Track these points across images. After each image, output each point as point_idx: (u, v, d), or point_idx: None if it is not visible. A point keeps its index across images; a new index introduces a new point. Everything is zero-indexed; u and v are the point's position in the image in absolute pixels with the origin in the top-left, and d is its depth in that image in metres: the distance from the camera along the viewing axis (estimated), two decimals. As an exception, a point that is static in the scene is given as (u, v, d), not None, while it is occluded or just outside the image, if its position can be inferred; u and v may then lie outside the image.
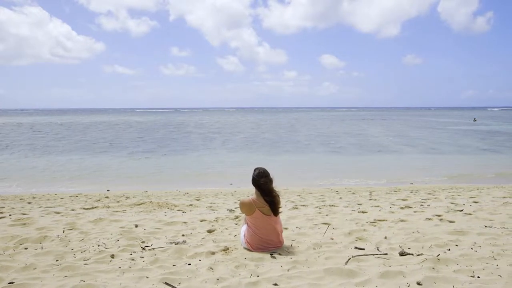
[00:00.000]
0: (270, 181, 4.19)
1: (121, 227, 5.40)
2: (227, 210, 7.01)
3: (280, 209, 4.30)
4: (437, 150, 22.08)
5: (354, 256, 3.82)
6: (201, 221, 5.88)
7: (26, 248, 4.30)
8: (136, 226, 5.51)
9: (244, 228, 4.37)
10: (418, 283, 3.04)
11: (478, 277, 3.17)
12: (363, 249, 4.16)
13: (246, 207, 4.18)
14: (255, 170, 4.30)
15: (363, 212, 6.55)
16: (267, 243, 4.15)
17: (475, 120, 60.04)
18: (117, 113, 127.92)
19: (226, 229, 5.30)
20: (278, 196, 4.23)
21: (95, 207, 7.62)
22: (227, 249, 4.24)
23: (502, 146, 23.74)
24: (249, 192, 9.96)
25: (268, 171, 4.31)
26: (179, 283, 3.22)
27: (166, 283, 3.10)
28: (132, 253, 4.11)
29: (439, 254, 3.78)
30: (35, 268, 3.57)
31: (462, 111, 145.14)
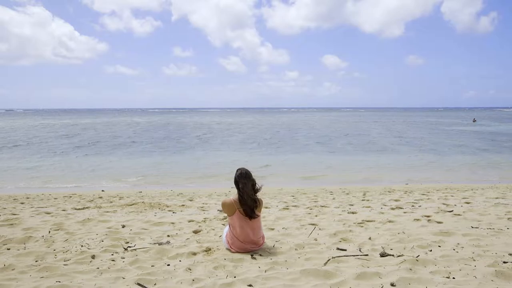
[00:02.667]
0: (251, 183, 4.12)
1: (107, 228, 5.40)
2: (218, 210, 6.99)
3: (261, 212, 4.26)
4: (435, 151, 22.03)
5: (334, 257, 3.80)
6: (189, 221, 5.87)
7: (8, 249, 4.30)
8: (123, 226, 5.50)
9: (226, 228, 4.35)
10: (392, 284, 3.02)
11: (454, 278, 3.15)
12: (345, 250, 4.14)
13: (226, 207, 4.15)
14: (237, 170, 4.27)
15: (352, 213, 6.53)
16: (247, 244, 4.12)
17: (474, 120, 59.84)
18: (117, 114, 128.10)
19: (213, 229, 5.28)
20: (256, 199, 4.14)
21: (87, 208, 7.61)
22: (209, 249, 4.23)
23: (502, 147, 23.66)
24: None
25: (251, 172, 4.27)
26: (155, 284, 3.21)
27: (139, 284, 3.09)
28: (114, 254, 4.10)
29: (418, 255, 3.76)
30: (14, 269, 3.57)
31: (464, 112, 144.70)
